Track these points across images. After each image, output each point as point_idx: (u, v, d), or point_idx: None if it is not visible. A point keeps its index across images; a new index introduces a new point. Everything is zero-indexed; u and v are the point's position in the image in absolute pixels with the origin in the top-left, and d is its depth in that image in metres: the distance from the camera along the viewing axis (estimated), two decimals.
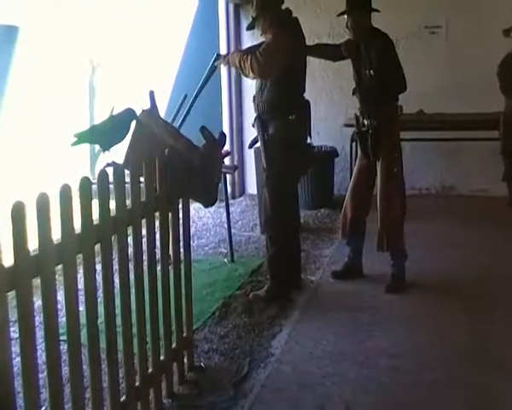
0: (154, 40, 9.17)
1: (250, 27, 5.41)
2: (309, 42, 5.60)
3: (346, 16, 5.35)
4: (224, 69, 7.74)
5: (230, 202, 8.53)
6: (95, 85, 6.76)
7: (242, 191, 9.17)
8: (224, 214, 6.74)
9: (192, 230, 7.33)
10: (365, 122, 5.35)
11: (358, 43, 5.35)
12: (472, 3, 7.76)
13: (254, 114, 5.32)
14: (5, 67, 9.96)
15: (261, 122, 5.21)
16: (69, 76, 9.58)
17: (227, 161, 8.35)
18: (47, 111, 9.72)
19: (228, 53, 5.51)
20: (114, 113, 3.98)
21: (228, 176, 8.21)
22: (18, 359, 2.68)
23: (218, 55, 5.43)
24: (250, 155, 7.95)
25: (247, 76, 5.27)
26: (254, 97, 5.29)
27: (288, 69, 5.05)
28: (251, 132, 5.60)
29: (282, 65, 4.98)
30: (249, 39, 8.20)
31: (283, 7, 5.21)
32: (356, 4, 5.30)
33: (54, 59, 9.66)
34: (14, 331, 2.74)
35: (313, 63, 5.67)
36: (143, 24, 9.29)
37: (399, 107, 5.49)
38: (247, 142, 6.10)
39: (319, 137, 7.40)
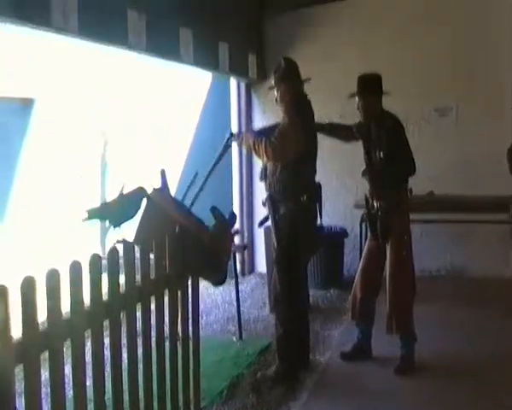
0: (168, 117, 9.33)
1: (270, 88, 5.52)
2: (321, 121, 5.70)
3: (357, 98, 5.44)
4: (235, 147, 7.83)
5: (240, 279, 8.53)
6: (107, 160, 6.89)
7: (252, 269, 9.17)
8: (234, 292, 6.73)
9: (201, 307, 7.29)
10: (375, 204, 5.39)
11: (369, 125, 5.43)
12: (482, 87, 7.86)
13: (265, 194, 5.37)
14: (20, 138, 10.16)
15: (272, 202, 5.25)
16: (82, 150, 9.73)
17: (236, 239, 8.40)
18: (59, 184, 9.86)
19: (240, 131, 5.58)
20: (124, 191, 4.04)
21: (238, 254, 8.26)
22: None
23: (232, 135, 5.51)
24: (260, 233, 7.99)
25: (260, 158, 5.35)
26: (265, 176, 5.35)
27: (301, 153, 5.12)
28: (261, 211, 5.65)
29: (294, 151, 5.06)
30: (260, 119, 8.36)
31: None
32: (366, 87, 5.39)
33: (67, 132, 9.85)
34: (21, 403, 2.74)
35: (324, 144, 5.73)
36: (157, 101, 9.47)
37: (409, 189, 5.52)
38: (257, 221, 6.14)
39: (329, 217, 7.44)
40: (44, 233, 9.79)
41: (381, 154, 5.23)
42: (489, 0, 7.78)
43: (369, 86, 5.39)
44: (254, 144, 5.16)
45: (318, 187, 5.40)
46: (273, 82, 5.31)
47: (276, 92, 5.30)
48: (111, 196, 4.39)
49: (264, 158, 5.15)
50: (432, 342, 5.89)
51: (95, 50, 6.12)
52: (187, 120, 9.30)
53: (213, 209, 3.99)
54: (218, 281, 4.23)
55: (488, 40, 7.79)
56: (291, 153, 5.07)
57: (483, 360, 5.61)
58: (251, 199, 8.86)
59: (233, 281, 6.64)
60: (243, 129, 8.40)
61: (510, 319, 6.47)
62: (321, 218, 5.42)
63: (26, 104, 10.33)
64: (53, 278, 2.79)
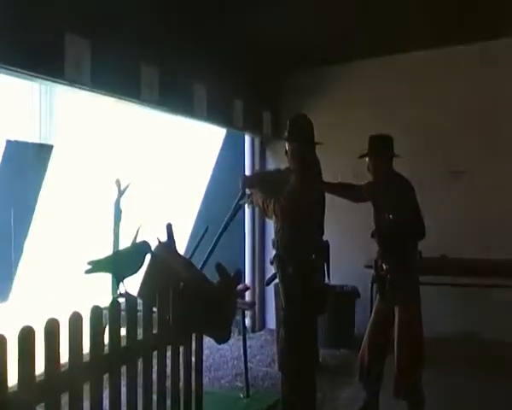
0: (182, 168, 9.40)
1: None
2: (333, 181, 5.71)
3: (367, 159, 5.45)
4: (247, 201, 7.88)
5: (250, 336, 8.51)
6: (121, 208, 6.90)
7: (263, 326, 9.11)
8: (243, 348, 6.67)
9: (209, 361, 7.32)
10: (384, 266, 5.36)
11: (379, 186, 5.43)
12: (497, 148, 7.84)
13: (274, 252, 5.37)
14: (37, 183, 10.28)
15: (280, 261, 5.23)
16: (97, 196, 9.82)
17: (247, 295, 8.38)
18: (73, 231, 9.94)
19: (254, 173, 5.59)
20: (139, 234, 4.07)
21: (247, 311, 8.23)
22: None
23: (243, 195, 5.50)
24: (271, 290, 7.96)
25: (268, 217, 5.34)
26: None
27: (309, 213, 5.12)
28: (272, 268, 5.62)
29: (302, 212, 5.06)
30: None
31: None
32: (377, 148, 5.40)
33: (83, 178, 9.95)
34: None
35: (337, 201, 5.74)
36: (172, 151, 9.57)
37: (419, 252, 5.49)
38: (269, 275, 6.13)
39: (341, 276, 7.40)
40: (58, 278, 9.86)
41: (391, 216, 5.21)
42: (502, 58, 7.79)
43: (380, 147, 5.40)
44: (263, 203, 5.17)
45: (326, 246, 5.38)
46: (286, 134, 5.34)
47: (286, 146, 5.33)
48: (124, 242, 4.41)
49: (273, 217, 5.15)
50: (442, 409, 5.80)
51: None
52: (200, 172, 9.36)
53: (218, 266, 3.99)
54: (222, 338, 4.20)
55: (502, 99, 7.79)
56: (298, 214, 5.07)
57: None
58: (262, 256, 8.85)
59: (242, 336, 6.60)
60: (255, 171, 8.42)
61: None
62: (329, 278, 5.38)
63: (45, 150, 10.48)
64: (52, 328, 2.78)
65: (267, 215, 5.27)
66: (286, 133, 5.30)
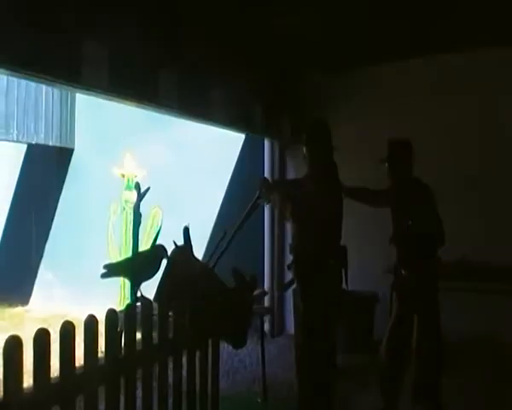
0: (201, 172, 9.42)
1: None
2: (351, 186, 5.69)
3: (386, 164, 5.42)
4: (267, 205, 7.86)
5: (269, 341, 8.47)
6: (141, 211, 6.95)
7: (282, 331, 9.08)
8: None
9: (227, 366, 7.30)
10: (403, 272, 5.32)
11: (398, 191, 5.40)
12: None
13: (291, 257, 5.34)
14: (58, 186, 10.37)
15: (299, 266, 5.21)
16: (117, 199, 9.88)
17: (266, 300, 8.36)
18: (95, 232, 10.01)
19: (270, 185, 5.58)
20: (159, 235, 4.08)
21: (267, 315, 8.21)
22: None
23: (260, 194, 5.48)
24: (290, 295, 7.92)
25: (285, 219, 5.34)
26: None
27: (326, 218, 5.09)
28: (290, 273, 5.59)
29: (319, 216, 5.04)
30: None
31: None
32: (396, 153, 5.38)
33: (104, 182, 10.01)
34: None
35: (356, 206, 5.72)
36: (191, 155, 9.59)
37: (438, 259, 5.45)
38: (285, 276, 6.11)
39: (360, 281, 7.36)
40: (78, 282, 9.93)
41: (410, 221, 5.18)
42: None
43: (399, 153, 5.37)
44: (281, 205, 5.16)
45: (344, 251, 5.35)
46: (304, 139, 5.33)
47: (304, 151, 5.32)
48: (143, 245, 4.43)
49: (290, 219, 5.14)
50: None
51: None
52: (220, 175, 9.37)
53: (235, 271, 3.99)
54: (238, 343, 4.20)
55: None
56: (315, 218, 5.04)
57: None
58: (282, 260, 8.81)
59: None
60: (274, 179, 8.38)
61: None
62: (347, 283, 5.34)
63: (65, 153, 10.55)
64: (67, 330, 2.79)
65: (285, 217, 5.26)
66: (304, 137, 5.31)
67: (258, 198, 5.48)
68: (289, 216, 5.09)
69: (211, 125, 7.21)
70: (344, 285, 5.32)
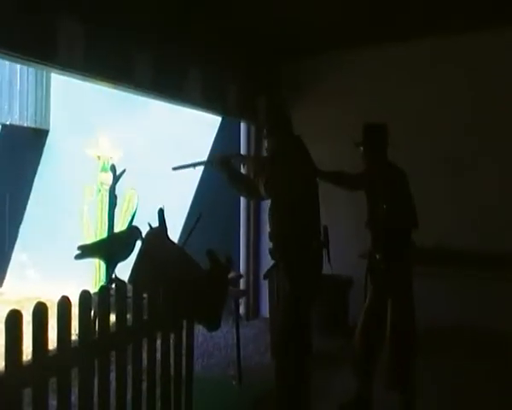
0: (177, 153, 9.38)
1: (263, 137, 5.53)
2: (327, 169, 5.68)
3: (361, 148, 5.42)
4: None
5: (244, 324, 8.49)
6: (116, 193, 6.89)
7: (257, 313, 9.10)
8: None
9: (202, 349, 7.31)
10: (377, 256, 5.34)
11: (373, 175, 5.40)
12: (495, 138, 7.79)
13: (270, 243, 5.33)
14: (32, 167, 10.29)
15: (281, 250, 5.19)
16: (93, 181, 9.83)
17: (241, 284, 8.38)
18: (69, 214, 9.95)
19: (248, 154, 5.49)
20: (135, 217, 4.06)
21: (242, 298, 8.22)
22: None
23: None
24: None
25: (257, 192, 5.20)
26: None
27: (302, 198, 5.08)
28: (267, 254, 5.57)
29: (299, 196, 5.01)
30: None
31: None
32: (371, 137, 5.38)
33: (79, 163, 9.95)
34: None
35: (332, 190, 5.72)
36: (167, 136, 9.55)
37: (412, 242, 5.47)
38: (263, 264, 6.09)
39: (336, 265, 7.38)
40: (52, 264, 9.88)
41: (384, 205, 5.19)
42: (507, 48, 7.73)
43: (374, 136, 5.37)
44: (256, 173, 5.11)
45: (326, 231, 5.34)
46: (264, 131, 5.32)
47: (266, 143, 5.32)
48: (118, 227, 4.41)
49: (263, 192, 5.06)
50: (434, 399, 5.79)
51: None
52: (196, 158, 9.32)
53: (209, 253, 3.97)
54: (213, 326, 4.18)
55: (504, 88, 7.74)
56: (295, 198, 5.00)
57: None
58: (257, 245, 8.83)
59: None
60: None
61: None
62: (329, 262, 5.35)
63: (40, 134, 10.46)
64: (39, 311, 2.76)
65: (257, 190, 5.14)
66: (265, 130, 5.31)
67: (232, 157, 5.39)
68: (265, 192, 5.03)
69: (186, 106, 7.17)
70: (328, 266, 5.32)
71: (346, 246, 7.68)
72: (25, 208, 10.66)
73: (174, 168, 5.24)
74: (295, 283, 5.09)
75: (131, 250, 4.00)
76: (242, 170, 5.79)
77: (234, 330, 6.71)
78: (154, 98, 6.62)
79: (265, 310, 8.53)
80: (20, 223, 10.68)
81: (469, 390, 6.11)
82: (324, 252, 5.29)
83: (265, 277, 5.81)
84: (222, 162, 5.25)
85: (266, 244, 5.64)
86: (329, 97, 8.49)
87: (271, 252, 5.30)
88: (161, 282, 3.71)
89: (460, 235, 7.65)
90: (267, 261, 5.51)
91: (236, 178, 5.31)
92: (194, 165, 5.43)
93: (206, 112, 7.78)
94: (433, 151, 7.92)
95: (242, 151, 8.75)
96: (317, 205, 5.24)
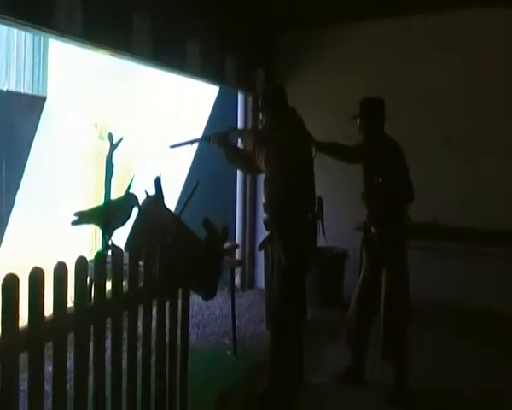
0: (175, 121, 9.35)
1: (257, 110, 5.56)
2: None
3: (358, 121, 5.40)
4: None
5: (240, 294, 8.53)
6: (113, 162, 6.85)
7: (252, 284, 9.14)
8: None
9: (198, 318, 7.35)
10: (372, 229, 5.35)
11: (369, 148, 5.40)
12: (491, 116, 7.78)
13: (264, 215, 5.35)
14: (29, 135, 10.24)
15: (276, 221, 5.20)
16: (90, 149, 9.79)
17: (237, 254, 8.39)
18: (66, 181, 9.92)
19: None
20: (133, 185, 4.05)
21: (238, 268, 8.23)
22: None
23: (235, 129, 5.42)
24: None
25: (256, 164, 5.21)
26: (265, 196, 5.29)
27: (301, 170, 5.08)
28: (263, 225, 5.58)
29: (294, 167, 5.01)
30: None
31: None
32: (368, 111, 5.37)
33: (76, 131, 9.90)
34: None
35: (328, 162, 5.72)
36: (165, 104, 9.51)
37: (408, 216, 5.49)
38: (259, 235, 6.09)
39: (331, 238, 7.40)
40: (49, 231, 9.86)
41: (380, 179, 5.19)
42: (504, 28, 7.69)
43: (371, 110, 5.37)
44: (254, 148, 5.13)
45: (320, 203, 5.35)
46: (260, 104, 5.30)
47: (261, 118, 5.31)
48: (116, 194, 4.40)
49: (262, 166, 5.10)
50: (426, 372, 5.84)
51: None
52: (193, 128, 9.30)
53: (206, 222, 3.97)
54: (208, 294, 4.20)
55: (502, 67, 7.72)
56: (290, 169, 5.01)
57: (478, 394, 5.52)
58: (253, 215, 8.84)
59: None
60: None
61: (509, 356, 6.37)
62: (324, 234, 5.36)
63: (37, 101, 10.41)
64: (36, 277, 2.77)
65: (256, 163, 5.16)
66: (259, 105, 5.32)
67: (230, 132, 5.42)
68: (262, 164, 5.04)
69: (184, 76, 7.14)
70: (322, 238, 5.33)
71: (341, 219, 7.70)
72: (22, 176, 10.64)
73: (172, 146, 5.27)
74: (289, 254, 5.11)
75: (128, 217, 4.00)
76: (240, 144, 5.78)
77: (229, 301, 6.76)
78: (152, 67, 6.58)
79: (261, 281, 8.55)
80: (17, 190, 10.67)
81: (460, 363, 6.17)
82: (319, 223, 5.30)
83: (260, 248, 5.84)
84: (219, 139, 5.29)
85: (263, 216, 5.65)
86: (327, 71, 8.48)
87: (266, 223, 5.32)
88: (157, 249, 3.71)
89: (455, 211, 7.67)
90: (263, 232, 5.53)
91: (234, 155, 5.36)
92: (191, 142, 5.45)
93: (203, 82, 7.75)
94: (430, 127, 7.92)
95: (239, 121, 8.74)
96: (311, 177, 5.26)
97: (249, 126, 8.65)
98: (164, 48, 6.09)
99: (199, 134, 8.95)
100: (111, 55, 5.78)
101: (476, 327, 7.14)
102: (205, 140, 5.48)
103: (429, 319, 7.14)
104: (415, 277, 5.50)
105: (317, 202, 5.33)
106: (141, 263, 3.61)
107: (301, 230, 5.12)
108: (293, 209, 5.09)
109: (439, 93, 7.89)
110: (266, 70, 8.43)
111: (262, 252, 6.90)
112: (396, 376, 5.41)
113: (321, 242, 5.44)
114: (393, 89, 7.38)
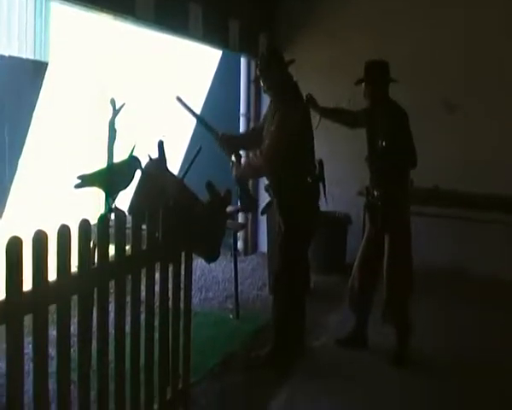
0: (178, 87, 9.30)
1: (255, 81, 5.62)
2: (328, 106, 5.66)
3: (363, 85, 5.37)
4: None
5: (242, 258, 8.55)
6: (116, 128, 6.83)
7: (255, 249, 9.15)
8: None
9: (201, 282, 7.38)
10: (375, 193, 5.35)
11: (373, 112, 5.38)
12: (495, 80, 7.73)
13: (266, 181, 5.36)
14: (32, 101, 10.18)
15: (277, 185, 5.21)
16: (93, 115, 9.75)
17: (240, 218, 8.39)
18: (69, 146, 9.89)
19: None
20: (135, 151, 4.04)
21: (240, 232, 8.24)
22: None
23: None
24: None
25: (262, 169, 5.20)
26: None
27: (300, 137, 5.06)
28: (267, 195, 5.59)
29: (294, 135, 5.00)
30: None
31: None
32: (372, 74, 5.32)
33: (78, 97, 9.86)
34: None
35: (331, 127, 5.70)
36: (167, 70, 9.46)
37: (410, 180, 5.49)
38: (262, 199, 6.10)
39: (334, 203, 7.41)
40: (52, 196, 9.85)
41: (383, 142, 5.17)
42: None
43: (375, 73, 5.32)
44: (250, 166, 5.16)
45: (321, 165, 5.34)
46: (258, 72, 5.26)
47: (262, 83, 5.26)
48: (118, 159, 4.39)
49: (267, 171, 5.17)
50: (428, 336, 5.87)
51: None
52: (196, 91, 9.25)
53: (209, 185, 3.97)
54: (211, 257, 4.21)
55: (505, 32, 7.66)
56: (291, 138, 5.00)
57: (478, 358, 5.56)
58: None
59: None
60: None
61: (509, 321, 6.40)
62: (325, 196, 5.36)
63: (40, 67, 10.33)
64: (39, 240, 2.78)
65: (260, 168, 5.17)
66: (258, 72, 5.28)
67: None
68: (263, 159, 5.02)
69: (187, 39, 7.08)
70: (323, 199, 5.33)
71: (344, 183, 7.71)
72: (24, 142, 10.60)
73: (178, 99, 5.22)
74: (288, 220, 5.13)
75: (131, 180, 3.99)
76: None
77: (232, 265, 6.78)
78: (155, 31, 6.53)
79: (263, 245, 8.57)
80: (20, 156, 10.63)
81: (462, 328, 6.21)
82: (320, 186, 5.30)
83: (263, 212, 5.84)
84: (228, 149, 5.33)
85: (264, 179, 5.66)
86: (330, 33, 8.39)
87: (267, 188, 5.33)
88: (160, 212, 3.71)
89: (457, 176, 7.66)
90: (266, 196, 5.53)
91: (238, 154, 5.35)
92: (196, 116, 5.41)
93: (206, 45, 7.70)
94: (432, 92, 7.88)
95: (242, 86, 8.69)
96: (310, 141, 5.24)
97: (252, 90, 8.61)
98: (166, 12, 6.03)
99: (201, 100, 8.99)
100: (114, 18, 5.73)
101: (478, 293, 7.17)
102: (211, 132, 5.44)
103: (431, 284, 7.15)
104: (416, 242, 5.51)
105: (317, 165, 5.31)
106: (144, 226, 3.61)
107: (301, 195, 5.12)
108: (292, 175, 5.08)
109: (444, 58, 7.84)
110: (268, 35, 8.38)
111: (265, 216, 6.92)
112: (398, 339, 5.45)
113: (323, 206, 5.44)
114: (395, 53, 7.33)
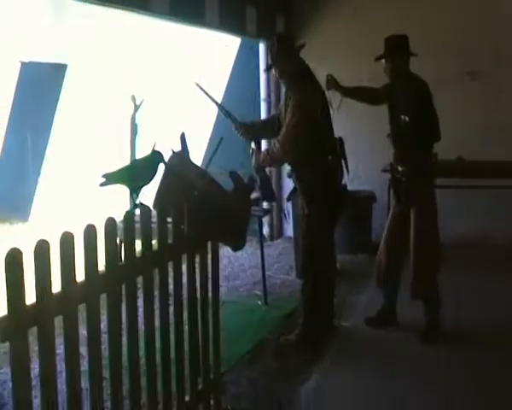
0: (197, 80, 9.28)
1: (267, 69, 5.67)
2: (349, 85, 5.63)
3: (383, 61, 5.33)
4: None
5: (268, 243, 8.55)
6: (137, 123, 6.84)
7: (281, 234, 9.15)
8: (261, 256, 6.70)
9: (228, 270, 7.39)
10: (399, 168, 5.31)
11: (395, 87, 5.33)
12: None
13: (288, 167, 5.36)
14: (53, 103, 10.23)
15: (299, 170, 5.21)
16: (114, 113, 9.76)
17: (265, 204, 8.39)
18: (91, 147, 9.92)
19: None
20: (156, 149, 4.04)
21: (266, 218, 8.23)
22: None
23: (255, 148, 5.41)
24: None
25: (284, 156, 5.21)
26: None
27: (317, 119, 5.04)
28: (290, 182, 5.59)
29: (312, 117, 5.00)
30: None
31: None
32: (393, 49, 5.27)
33: (99, 96, 9.87)
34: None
35: (354, 106, 5.68)
36: (186, 63, 9.43)
37: (434, 154, 5.44)
38: (287, 184, 6.09)
39: (358, 181, 7.38)
40: (77, 196, 9.89)
41: (406, 118, 5.13)
42: None
43: (396, 48, 5.26)
44: (271, 158, 5.15)
45: (341, 143, 5.32)
46: (270, 61, 5.25)
47: (274, 71, 5.25)
48: (142, 155, 4.40)
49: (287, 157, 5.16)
50: (458, 310, 5.85)
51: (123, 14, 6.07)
52: (216, 82, 9.23)
53: (232, 174, 3.97)
54: (237, 246, 4.22)
55: None
56: (310, 120, 4.98)
57: (509, 331, 5.54)
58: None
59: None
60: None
61: None
62: (348, 173, 5.36)
63: (59, 69, 10.37)
64: (67, 241, 2.79)
65: (278, 157, 5.18)
66: (269, 60, 5.29)
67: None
68: (283, 145, 5.02)
69: (204, 29, 7.06)
70: (346, 176, 5.34)
71: (367, 161, 7.69)
72: (46, 145, 10.67)
73: (197, 84, 5.22)
74: (312, 202, 5.13)
75: (154, 174, 3.99)
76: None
77: (258, 251, 6.77)
78: (171, 22, 6.52)
79: (289, 230, 8.56)
80: (43, 159, 10.70)
81: (491, 301, 6.18)
82: (342, 164, 5.29)
83: (288, 198, 5.85)
84: (248, 136, 5.37)
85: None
86: (348, 12, 8.32)
87: (290, 174, 5.33)
88: (186, 204, 3.71)
89: (482, 146, 7.60)
90: (289, 183, 5.54)
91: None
92: (216, 102, 5.41)
93: (223, 33, 7.67)
94: (455, 64, 7.80)
95: (262, 70, 8.65)
96: (329, 119, 5.21)
97: (271, 77, 8.57)
98: (182, 2, 6.01)
99: (222, 89, 8.96)
100: (128, 12, 5.72)
101: (506, 263, 7.13)
102: (230, 118, 5.43)
103: (459, 256, 7.12)
104: (442, 215, 5.48)
105: (338, 144, 5.29)
106: (169, 219, 3.62)
107: (322, 175, 5.10)
108: (312, 156, 5.07)
109: (464, 27, 7.76)
110: (285, 17, 8.34)
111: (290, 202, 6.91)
112: (427, 315, 5.44)
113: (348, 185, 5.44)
114: (416, 23, 7.29)
